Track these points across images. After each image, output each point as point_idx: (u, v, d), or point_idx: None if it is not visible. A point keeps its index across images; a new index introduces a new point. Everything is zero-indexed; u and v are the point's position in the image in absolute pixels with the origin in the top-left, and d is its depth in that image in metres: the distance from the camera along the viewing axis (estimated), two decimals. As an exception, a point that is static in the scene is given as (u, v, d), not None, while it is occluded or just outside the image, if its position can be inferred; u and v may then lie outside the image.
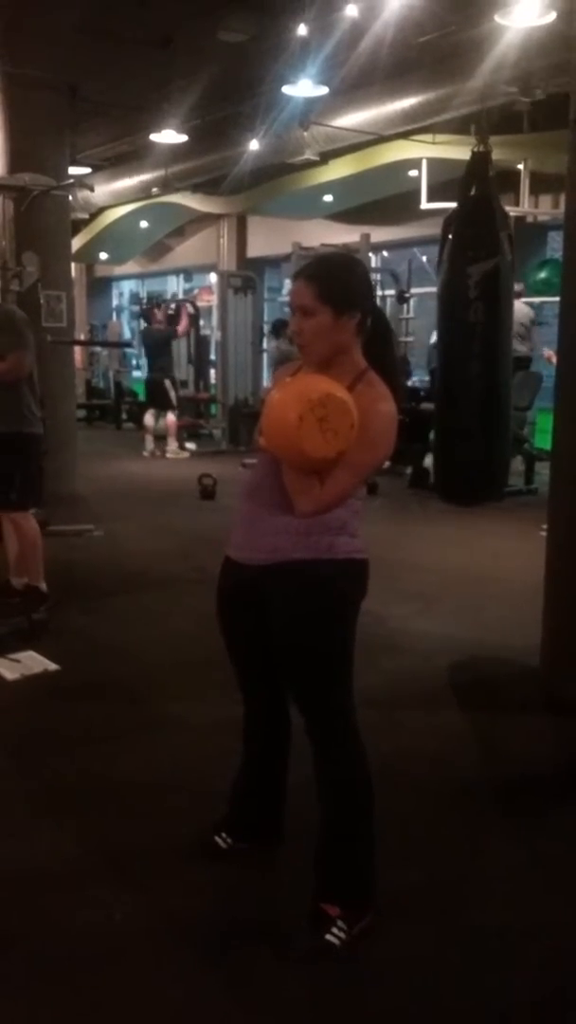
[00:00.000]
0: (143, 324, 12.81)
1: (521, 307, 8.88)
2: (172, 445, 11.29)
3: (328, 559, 2.19)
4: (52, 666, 4.12)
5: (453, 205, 4.56)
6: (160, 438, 11.42)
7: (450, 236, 4.31)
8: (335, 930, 2.22)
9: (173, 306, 13.02)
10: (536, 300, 10.49)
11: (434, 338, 7.85)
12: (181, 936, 2.32)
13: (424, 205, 9.59)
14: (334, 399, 1.99)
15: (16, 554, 4.96)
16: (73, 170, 10.81)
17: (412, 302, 11.06)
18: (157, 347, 11.42)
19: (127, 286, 20.40)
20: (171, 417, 11.35)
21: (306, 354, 2.22)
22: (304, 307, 2.16)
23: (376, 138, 10.01)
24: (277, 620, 2.25)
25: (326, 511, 2.13)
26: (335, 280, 2.17)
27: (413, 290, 11.03)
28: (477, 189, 4.29)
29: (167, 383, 11.29)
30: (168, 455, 11.17)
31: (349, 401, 2.01)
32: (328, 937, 2.22)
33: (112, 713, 3.68)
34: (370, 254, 10.80)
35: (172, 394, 11.30)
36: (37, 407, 4.79)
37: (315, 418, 1.97)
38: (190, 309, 13.17)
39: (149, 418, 11.56)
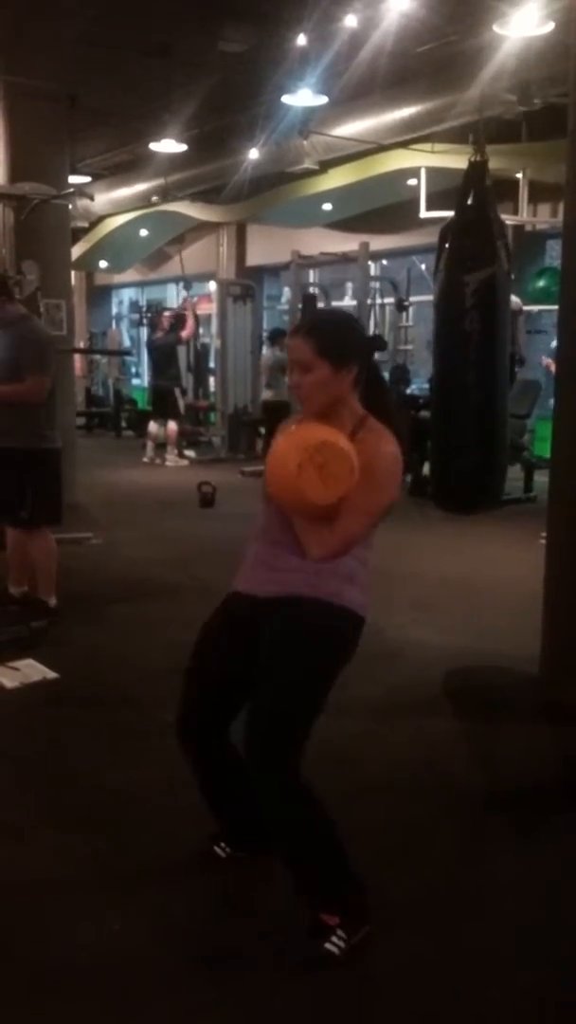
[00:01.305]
0: (148, 333, 12.81)
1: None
2: (171, 453, 11.31)
3: (333, 603, 2.22)
4: (51, 674, 4.12)
5: (452, 214, 4.58)
6: (160, 446, 11.44)
7: (447, 245, 4.32)
8: (334, 939, 2.22)
9: (179, 308, 13.00)
10: (535, 308, 10.51)
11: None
12: (180, 946, 2.31)
13: (423, 214, 9.62)
14: (330, 445, 2.05)
15: (17, 563, 4.96)
16: (73, 179, 10.84)
17: (411, 310, 11.09)
18: (166, 357, 11.46)
19: (127, 294, 20.39)
20: (172, 425, 11.38)
21: (306, 405, 2.26)
22: (302, 362, 2.20)
23: (375, 147, 10.03)
24: (270, 637, 2.24)
25: (339, 555, 2.16)
26: (332, 336, 2.21)
27: (412, 298, 11.06)
28: (474, 198, 4.29)
29: (177, 392, 11.32)
30: (167, 463, 11.19)
31: (346, 446, 2.06)
32: (328, 946, 2.21)
33: (111, 722, 3.67)
34: (369, 262, 10.82)
35: (181, 403, 11.35)
36: (54, 423, 4.74)
37: (314, 465, 2.02)
38: (189, 315, 13.20)
39: (154, 426, 11.59)
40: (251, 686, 2.25)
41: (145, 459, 11.42)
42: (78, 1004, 2.11)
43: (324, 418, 2.22)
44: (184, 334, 11.66)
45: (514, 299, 9.13)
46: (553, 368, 8.26)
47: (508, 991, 2.17)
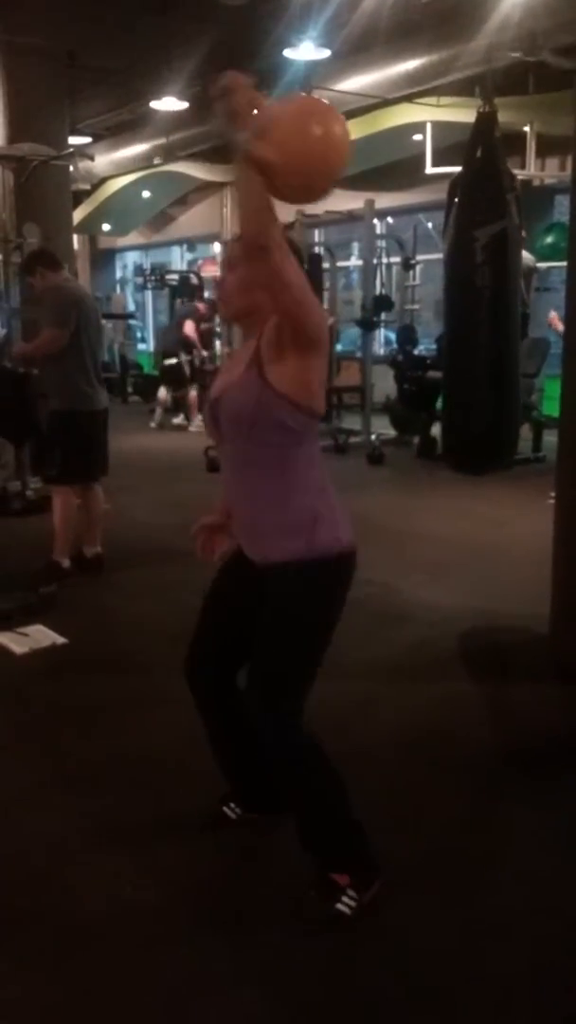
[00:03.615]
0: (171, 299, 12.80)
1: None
2: (196, 417, 11.24)
3: (308, 559, 2.16)
4: (60, 640, 4.13)
5: (458, 169, 4.49)
6: (167, 411, 11.51)
7: (456, 199, 4.24)
8: (345, 899, 2.23)
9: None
10: (543, 265, 10.36)
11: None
12: (191, 907, 2.33)
13: (429, 170, 9.45)
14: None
15: (86, 524, 5.14)
16: (73, 139, 10.70)
17: (418, 269, 10.94)
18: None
19: (131, 257, 20.21)
20: (192, 393, 11.41)
21: (224, 307, 2.28)
22: (230, 260, 2.20)
23: (379, 102, 9.85)
24: (264, 615, 2.23)
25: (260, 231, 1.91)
26: None
27: (419, 256, 10.91)
28: (483, 151, 4.21)
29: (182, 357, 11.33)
30: (192, 428, 11.14)
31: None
32: (339, 907, 2.23)
33: (120, 686, 3.69)
34: (375, 220, 10.68)
35: (187, 369, 11.37)
36: (93, 383, 4.90)
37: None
38: (194, 280, 13.10)
39: (163, 392, 11.68)
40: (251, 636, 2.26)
41: (152, 424, 11.46)
42: (90, 966, 2.14)
43: (245, 324, 2.25)
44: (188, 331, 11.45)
45: (527, 256, 9.02)
46: (558, 325, 8.17)
47: (520, 948, 2.19)
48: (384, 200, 11.25)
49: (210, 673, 2.47)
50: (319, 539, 2.17)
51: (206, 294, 12.07)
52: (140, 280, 17.00)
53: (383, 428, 9.80)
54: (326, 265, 10.91)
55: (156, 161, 13.08)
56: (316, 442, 2.24)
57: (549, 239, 10.54)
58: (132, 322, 16.70)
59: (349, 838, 2.30)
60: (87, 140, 13.03)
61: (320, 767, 2.25)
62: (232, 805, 2.63)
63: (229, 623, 2.41)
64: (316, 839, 2.30)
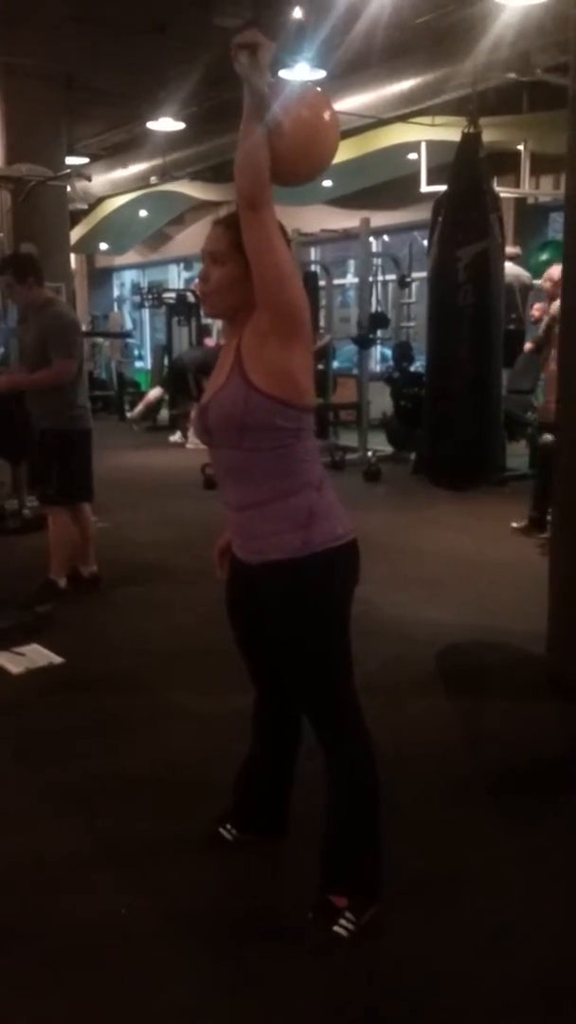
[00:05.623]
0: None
1: (512, 269, 8.70)
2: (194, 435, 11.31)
3: (305, 556, 2.13)
4: (56, 659, 4.12)
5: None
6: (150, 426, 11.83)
7: (440, 218, 4.27)
8: (343, 921, 2.21)
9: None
10: (538, 283, 10.41)
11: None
12: (187, 929, 2.31)
13: (424, 188, 9.50)
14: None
15: (80, 543, 5.12)
16: (70, 160, 10.77)
17: (414, 286, 10.99)
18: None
19: (128, 276, 20.28)
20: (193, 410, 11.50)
21: (209, 305, 2.20)
22: (216, 253, 2.14)
23: (375, 122, 9.92)
24: (269, 620, 2.24)
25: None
26: None
27: (414, 274, 10.95)
28: (467, 171, 4.24)
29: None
30: (188, 445, 11.16)
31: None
32: (336, 928, 2.20)
33: (117, 705, 3.67)
34: (371, 239, 10.73)
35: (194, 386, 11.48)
36: (85, 403, 4.95)
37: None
38: (191, 298, 13.15)
39: (157, 391, 12.16)
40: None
41: (129, 415, 11.72)
42: (84, 989, 2.12)
43: (229, 321, 2.19)
44: None
45: (524, 273, 9.07)
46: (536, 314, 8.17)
47: (517, 965, 2.17)
48: (380, 218, 11.30)
49: (277, 700, 2.49)
50: (315, 536, 2.13)
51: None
52: (137, 299, 17.06)
53: (379, 445, 9.81)
54: (322, 283, 10.96)
55: (153, 181, 13.15)
56: (311, 437, 2.20)
57: (544, 256, 10.59)
58: (129, 340, 16.75)
59: (374, 855, 2.29)
60: (84, 160, 13.11)
61: (376, 777, 2.27)
62: (228, 826, 2.61)
63: (264, 648, 2.40)
64: (345, 854, 2.28)
